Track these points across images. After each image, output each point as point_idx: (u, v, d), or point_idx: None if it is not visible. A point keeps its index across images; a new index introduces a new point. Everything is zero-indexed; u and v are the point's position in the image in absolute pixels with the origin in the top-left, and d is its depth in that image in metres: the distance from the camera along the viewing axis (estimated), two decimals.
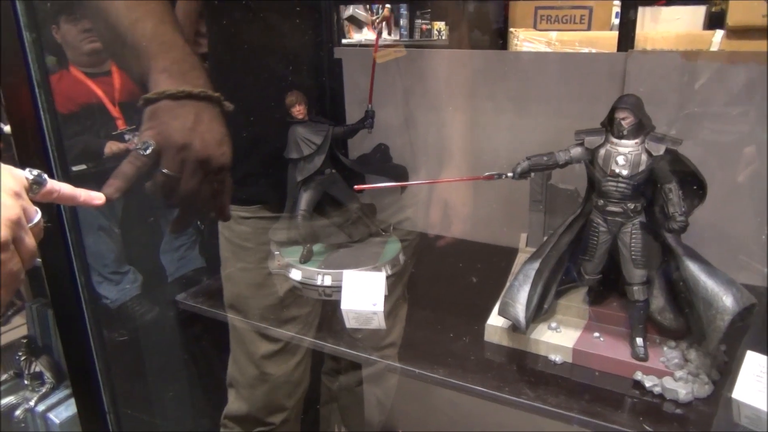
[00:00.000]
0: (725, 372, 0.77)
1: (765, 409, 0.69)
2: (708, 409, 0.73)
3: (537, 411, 0.74)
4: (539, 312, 0.85)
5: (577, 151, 0.77)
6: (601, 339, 0.82)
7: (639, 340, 0.78)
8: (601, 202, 0.77)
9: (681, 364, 0.75)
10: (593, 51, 1.47)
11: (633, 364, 0.77)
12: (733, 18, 1.69)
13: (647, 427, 0.69)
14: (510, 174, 0.78)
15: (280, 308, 1.03)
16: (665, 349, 0.78)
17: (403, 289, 1.04)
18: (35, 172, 0.57)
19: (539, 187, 0.91)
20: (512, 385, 0.78)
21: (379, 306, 0.92)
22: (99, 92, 1.17)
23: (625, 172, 0.73)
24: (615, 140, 0.74)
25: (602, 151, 0.75)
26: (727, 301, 0.68)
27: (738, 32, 1.72)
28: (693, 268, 0.71)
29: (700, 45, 1.84)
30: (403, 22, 3.45)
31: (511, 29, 2.09)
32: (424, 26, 3.54)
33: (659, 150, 0.72)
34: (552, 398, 0.75)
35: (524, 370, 0.81)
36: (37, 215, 0.56)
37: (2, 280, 0.52)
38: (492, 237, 1.13)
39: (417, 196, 1.22)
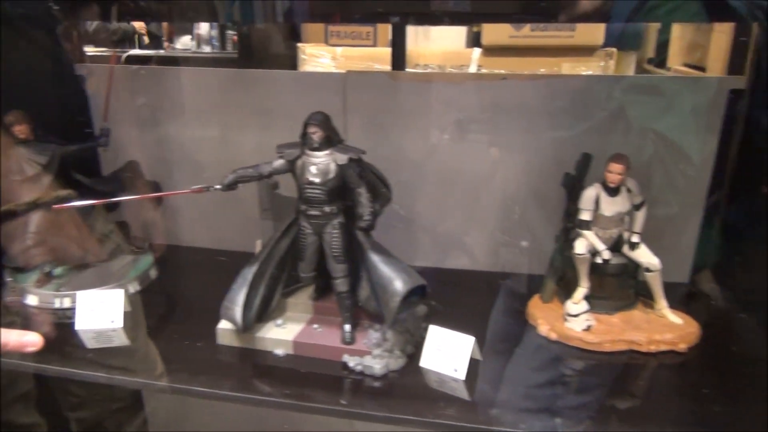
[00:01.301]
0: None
1: (445, 373, 0.83)
2: (401, 379, 0.84)
3: (254, 403, 0.81)
4: (266, 311, 0.92)
5: (279, 163, 0.85)
6: (320, 329, 0.91)
7: (347, 327, 0.88)
8: (304, 207, 0.86)
9: (379, 343, 0.87)
10: (328, 71, 1.60)
11: (342, 348, 0.87)
12: (486, 38, 1.94)
13: (342, 401, 0.79)
14: (218, 186, 0.84)
15: None
16: (371, 331, 0.90)
17: (153, 303, 1.05)
18: None
19: (266, 196, 0.98)
20: (234, 382, 0.83)
21: (118, 323, 0.93)
22: None
23: (317, 180, 0.83)
24: (309, 152, 0.84)
25: (299, 162, 0.84)
26: (397, 285, 0.80)
27: (491, 50, 1.98)
28: (375, 258, 0.83)
29: (462, 61, 2.07)
30: (214, 32, 3.42)
31: (299, 44, 2.18)
32: (234, 37, 3.53)
33: (344, 160, 0.83)
34: (269, 389, 0.82)
35: (250, 366, 0.87)
36: None
37: None
38: (240, 245, 1.19)
39: (177, 211, 1.24)
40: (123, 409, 1.30)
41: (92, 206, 1.06)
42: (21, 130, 0.95)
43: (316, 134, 0.82)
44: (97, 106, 1.17)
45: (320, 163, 0.83)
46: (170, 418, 1.36)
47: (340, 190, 0.85)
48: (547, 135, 1.07)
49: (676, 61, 1.93)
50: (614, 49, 1.82)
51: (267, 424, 1.36)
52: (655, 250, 0.92)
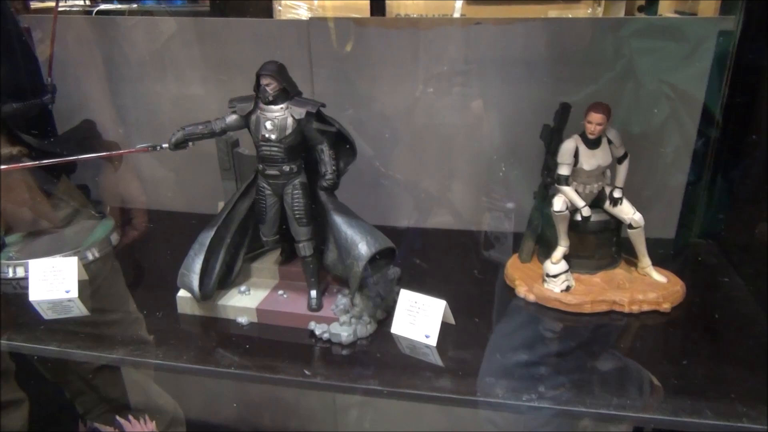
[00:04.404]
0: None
1: (416, 339, 0.78)
2: (370, 346, 0.80)
3: (215, 375, 0.77)
4: (228, 278, 0.87)
5: (232, 118, 0.79)
6: (285, 296, 0.87)
7: (313, 293, 0.83)
8: (261, 166, 0.80)
9: (346, 309, 0.82)
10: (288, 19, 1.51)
11: (308, 315, 0.83)
12: None
13: (306, 372, 0.75)
14: (165, 145, 0.77)
15: None
16: (339, 296, 0.85)
17: (113, 271, 1.00)
18: None
19: (225, 155, 0.92)
20: (195, 354, 0.79)
21: (74, 292, 0.88)
22: None
23: (273, 137, 0.77)
24: (264, 106, 0.77)
25: (253, 117, 0.78)
26: (361, 248, 0.75)
27: None
28: (338, 220, 0.77)
29: (445, 10, 1.97)
30: None
31: None
32: None
33: (301, 113, 0.76)
34: (231, 360, 0.78)
35: (211, 336, 0.83)
36: None
37: None
38: (207, 207, 1.13)
39: (141, 174, 1.18)
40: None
41: (47, 169, 1.00)
42: None
43: (270, 86, 0.75)
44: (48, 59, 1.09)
45: (276, 118, 0.76)
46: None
47: (299, 147, 0.79)
48: (527, 85, 1.00)
49: (667, 8, 1.85)
50: None
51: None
52: (639, 205, 0.86)
